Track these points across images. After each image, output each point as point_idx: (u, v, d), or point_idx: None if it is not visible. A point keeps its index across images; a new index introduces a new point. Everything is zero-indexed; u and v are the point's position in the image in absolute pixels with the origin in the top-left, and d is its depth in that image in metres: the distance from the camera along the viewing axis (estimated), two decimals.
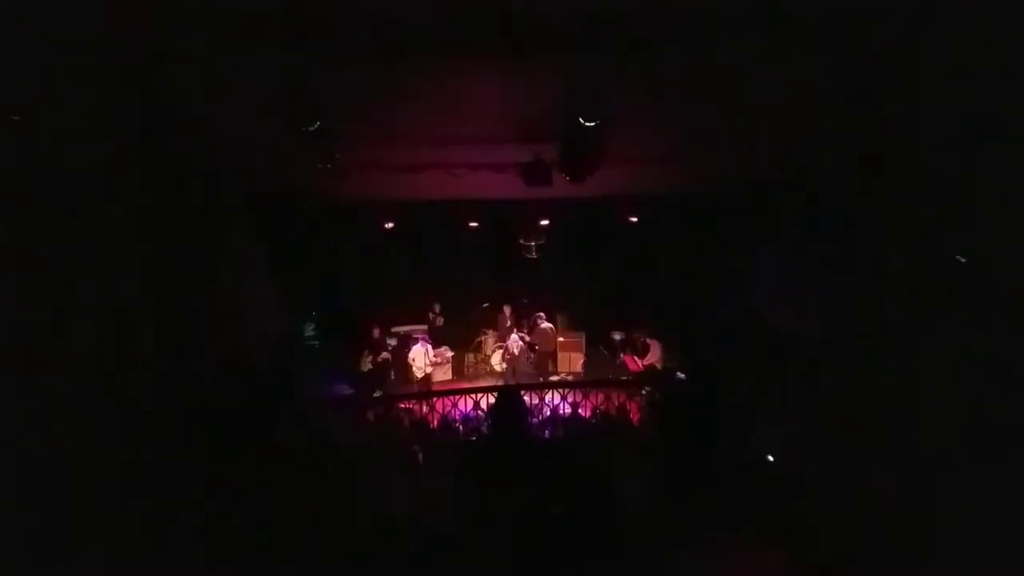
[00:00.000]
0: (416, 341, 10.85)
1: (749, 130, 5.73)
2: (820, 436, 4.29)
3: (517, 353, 11.07)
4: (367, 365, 10.49)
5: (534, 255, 11.70)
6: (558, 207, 10.26)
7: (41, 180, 4.14)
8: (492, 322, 12.90)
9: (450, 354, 11.98)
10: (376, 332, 10.86)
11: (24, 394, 3.70)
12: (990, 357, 4.00)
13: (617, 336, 12.03)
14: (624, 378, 10.61)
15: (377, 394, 10.01)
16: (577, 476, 3.24)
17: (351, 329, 11.18)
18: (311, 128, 5.05)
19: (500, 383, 10.88)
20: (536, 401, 6.93)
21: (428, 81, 4.89)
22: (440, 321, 12.73)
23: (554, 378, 11.75)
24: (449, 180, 7.37)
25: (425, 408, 7.16)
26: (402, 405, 7.45)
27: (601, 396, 7.00)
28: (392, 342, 12.19)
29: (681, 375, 9.19)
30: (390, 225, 10.55)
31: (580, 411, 7.47)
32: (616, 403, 6.99)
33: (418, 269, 13.11)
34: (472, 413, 7.09)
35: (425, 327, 12.65)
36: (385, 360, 10.69)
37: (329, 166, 5.62)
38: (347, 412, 6.69)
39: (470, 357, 12.82)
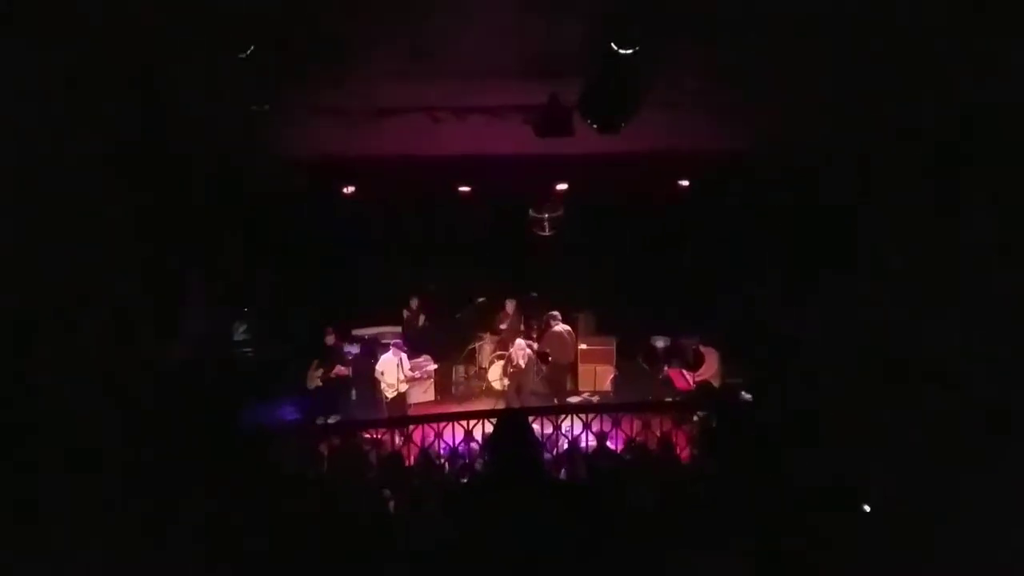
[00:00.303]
0: (386, 348, 10.85)
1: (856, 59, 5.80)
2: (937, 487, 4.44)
3: (524, 365, 11.06)
4: (315, 381, 10.48)
5: (547, 233, 11.71)
6: (581, 168, 10.18)
7: None
8: (490, 323, 12.96)
9: (433, 366, 12.01)
10: (330, 337, 10.84)
11: None
12: None
13: (660, 343, 12.20)
14: (669, 400, 10.65)
15: (330, 420, 10.06)
16: (605, 535, 3.25)
17: (298, 332, 11.23)
18: (242, 54, 4.98)
19: (500, 406, 10.93)
20: (549, 431, 6.91)
21: None
22: (420, 321, 12.77)
23: (574, 399, 11.89)
24: (432, 130, 7.33)
25: (398, 440, 7.16)
26: (367, 435, 7.44)
27: (638, 424, 6.98)
28: (353, 349, 12.25)
29: (747, 395, 9.19)
30: (350, 190, 10.53)
31: (609, 444, 7.46)
32: (659, 434, 6.97)
33: (390, 251, 13.25)
34: (462, 447, 7.08)
35: (399, 329, 12.74)
36: (341, 375, 10.71)
37: (266, 108, 5.59)
38: (290, 446, 6.71)
39: (460, 371, 12.89)
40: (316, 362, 10.59)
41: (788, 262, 10.27)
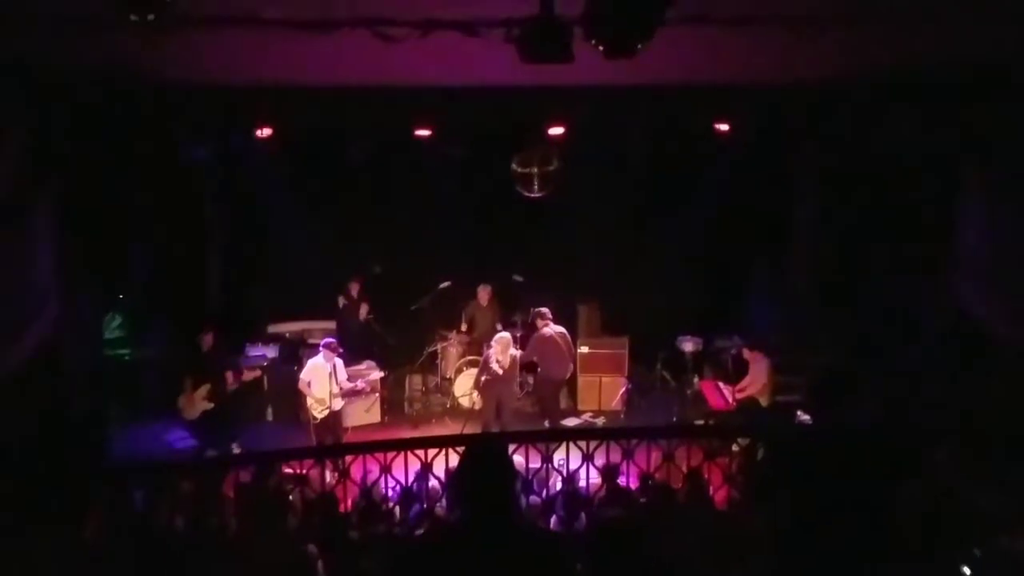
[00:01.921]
0: (315, 351, 10.90)
1: None
2: None
3: (502, 373, 11.07)
4: (200, 404, 10.45)
5: (536, 193, 11.69)
6: (583, 105, 10.19)
7: None
8: (457, 317, 13.13)
9: (378, 375, 12.03)
10: (207, 338, 10.67)
11: None
12: None
13: (688, 346, 12.32)
14: (700, 423, 10.75)
15: (237, 448, 10.10)
16: None
17: (193, 325, 11.17)
18: None
19: (472, 430, 10.95)
20: (536, 465, 6.92)
21: None
22: (361, 314, 12.92)
23: (571, 421, 12.09)
24: (381, 51, 7.27)
25: (330, 476, 7.13)
26: (288, 470, 7.42)
27: (657, 456, 6.99)
28: (266, 352, 12.25)
29: (805, 417, 9.26)
30: (265, 133, 10.49)
31: (620, 481, 7.45)
32: (685, 469, 6.99)
33: (320, 217, 13.25)
34: (417, 486, 7.06)
35: (332, 325, 12.93)
36: (240, 386, 10.75)
37: (151, 18, 5.51)
38: (180, 485, 6.69)
39: (416, 382, 13.04)
40: (191, 381, 10.48)
41: (865, 231, 10.38)
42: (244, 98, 9.66)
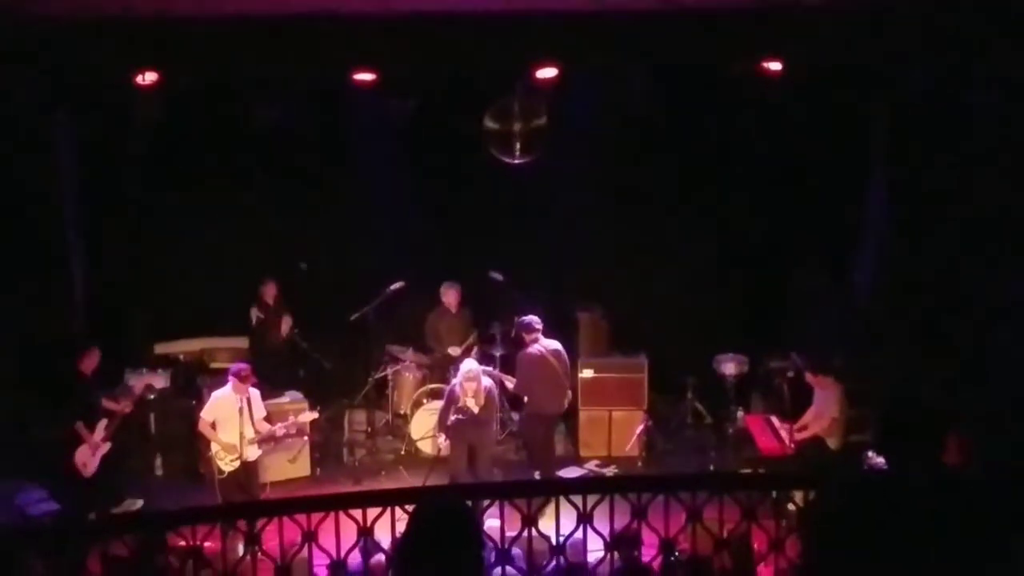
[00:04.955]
0: (221, 380, 10.87)
1: None
2: None
3: (478, 410, 11.05)
4: (101, 451, 10.39)
5: (518, 158, 11.69)
6: (581, 36, 10.22)
7: None
8: (414, 329, 13.15)
9: (309, 415, 11.97)
10: (90, 358, 10.70)
11: None
12: None
13: (729, 367, 12.31)
14: (747, 472, 10.76)
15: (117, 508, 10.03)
16: None
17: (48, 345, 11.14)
18: None
19: (432, 481, 10.92)
20: (515, 530, 6.91)
21: None
22: (284, 329, 12.98)
23: (571, 472, 12.03)
24: None
25: (239, 547, 7.13)
26: (179, 540, 7.44)
27: (683, 515, 7.01)
28: (152, 381, 12.14)
29: (877, 459, 9.25)
30: (150, 79, 10.44)
31: (636, 553, 7.52)
32: (724, 534, 6.99)
33: (226, 193, 13.14)
34: (355, 560, 7.06)
35: (244, 343, 12.95)
36: (110, 430, 10.68)
37: None
38: (33, 564, 6.70)
39: (358, 420, 13.04)
40: (82, 422, 10.47)
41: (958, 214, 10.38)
42: (126, 30, 9.61)
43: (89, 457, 10.45)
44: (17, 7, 8.61)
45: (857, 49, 10.10)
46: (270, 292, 12.75)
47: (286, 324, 12.76)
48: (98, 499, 10.34)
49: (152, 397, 11.73)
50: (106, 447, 10.55)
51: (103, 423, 10.52)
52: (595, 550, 6.81)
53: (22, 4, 8.62)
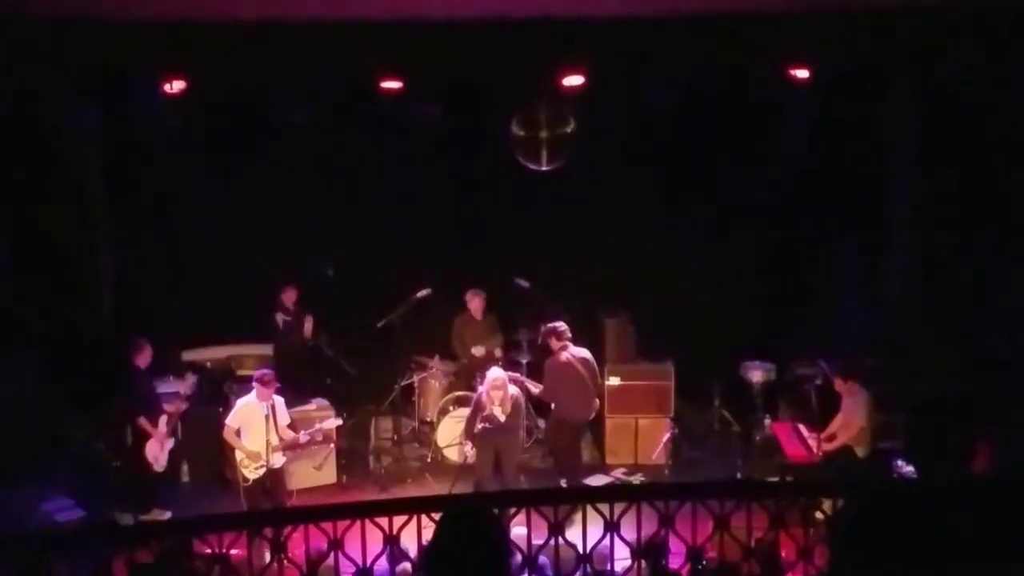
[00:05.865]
0: (246, 386, 10.89)
1: None
2: None
3: (504, 419, 11.02)
4: (168, 446, 10.48)
5: (545, 165, 11.66)
6: (609, 42, 10.21)
7: None
8: (440, 336, 13.16)
9: (334, 421, 11.97)
10: (144, 352, 10.75)
11: None
12: None
13: (756, 374, 12.28)
14: (774, 480, 10.68)
15: (145, 515, 10.02)
16: None
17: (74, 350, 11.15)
18: None
19: (459, 489, 10.89)
20: (542, 538, 6.88)
21: None
22: (308, 333, 12.96)
23: (598, 480, 11.98)
24: None
25: (266, 554, 7.13)
26: (205, 548, 7.44)
27: (710, 524, 6.97)
28: (179, 389, 12.12)
29: (906, 466, 9.16)
30: (178, 88, 10.49)
31: (664, 562, 7.51)
32: (752, 543, 6.95)
33: (251, 201, 13.13)
34: (382, 566, 7.05)
35: (269, 350, 12.91)
36: (171, 426, 10.80)
37: None
38: (56, 566, 6.70)
39: (384, 427, 13.02)
40: (144, 419, 10.51)
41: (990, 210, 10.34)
42: (151, 38, 9.63)
43: (159, 451, 10.58)
44: (45, 8, 8.62)
45: (883, 49, 10.08)
46: (290, 297, 12.73)
47: (308, 323, 12.76)
48: (140, 503, 10.42)
49: (178, 409, 11.75)
50: (171, 442, 10.67)
51: (164, 418, 10.62)
52: (622, 558, 6.78)
53: (52, 5, 8.63)
